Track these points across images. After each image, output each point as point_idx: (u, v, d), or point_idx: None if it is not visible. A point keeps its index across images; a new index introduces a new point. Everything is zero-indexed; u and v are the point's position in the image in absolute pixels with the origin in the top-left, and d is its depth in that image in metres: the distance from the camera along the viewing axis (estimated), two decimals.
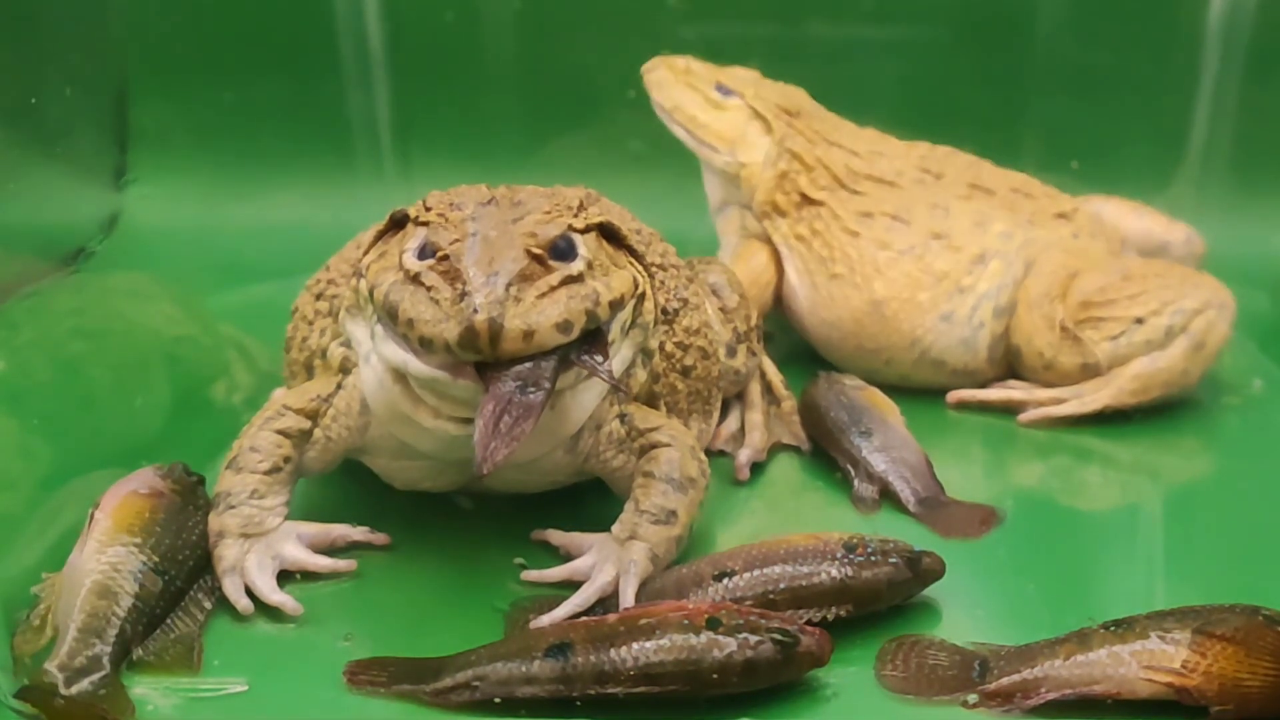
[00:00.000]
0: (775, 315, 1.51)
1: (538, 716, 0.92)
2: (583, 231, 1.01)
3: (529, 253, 0.96)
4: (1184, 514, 1.25)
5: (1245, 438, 1.38)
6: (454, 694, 0.93)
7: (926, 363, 1.43)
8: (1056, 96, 1.84)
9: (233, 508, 1.07)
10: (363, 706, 0.94)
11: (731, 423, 1.32)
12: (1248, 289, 1.63)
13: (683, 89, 1.51)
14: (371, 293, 1.01)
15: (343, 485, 1.21)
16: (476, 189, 1.07)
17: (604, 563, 1.04)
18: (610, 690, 0.91)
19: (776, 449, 1.32)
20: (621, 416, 1.10)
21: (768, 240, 1.48)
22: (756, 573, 1.01)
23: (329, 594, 1.07)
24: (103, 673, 0.93)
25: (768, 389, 1.36)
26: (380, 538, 1.13)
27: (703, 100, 1.50)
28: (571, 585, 1.04)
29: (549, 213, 1.00)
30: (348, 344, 1.10)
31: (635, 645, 0.91)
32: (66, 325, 1.44)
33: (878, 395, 1.33)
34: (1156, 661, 0.91)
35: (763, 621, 0.93)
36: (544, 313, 0.93)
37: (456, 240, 0.97)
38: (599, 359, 0.98)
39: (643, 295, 1.06)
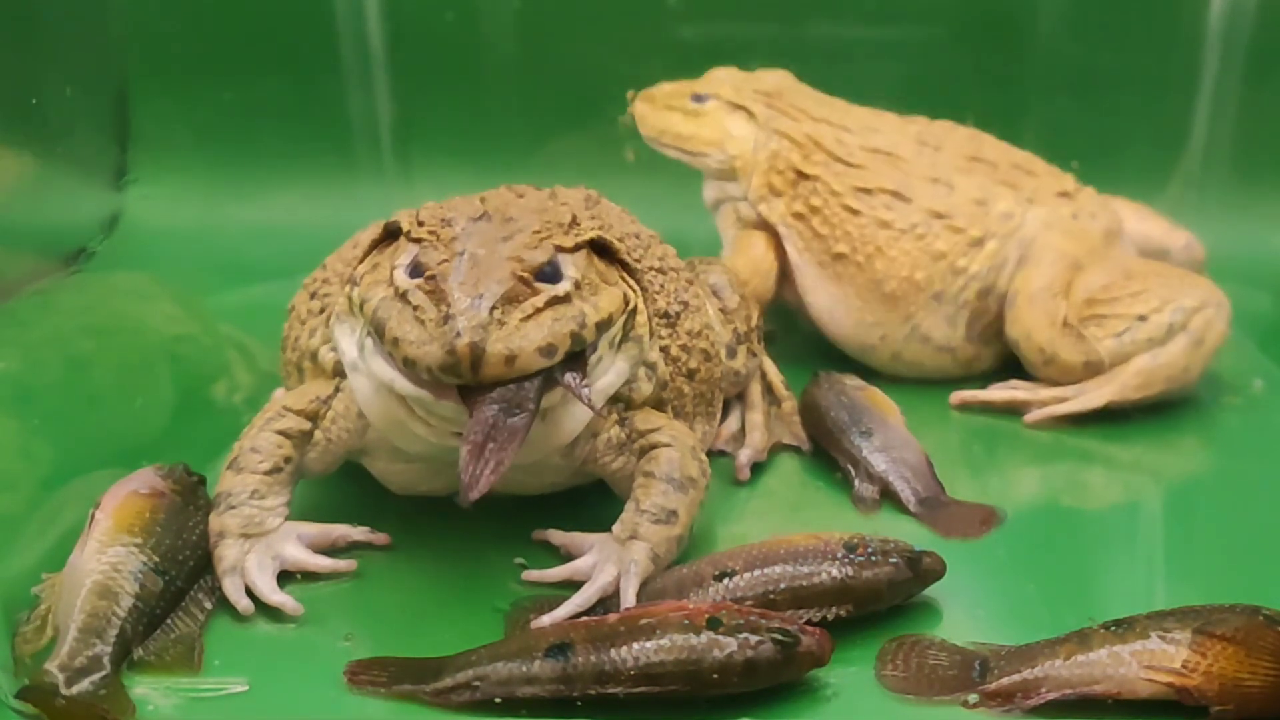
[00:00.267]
0: (777, 307, 1.51)
1: (538, 716, 0.92)
2: (573, 250, 1.00)
3: (515, 275, 0.95)
4: (1184, 514, 1.25)
5: (1245, 438, 1.38)
6: (454, 694, 0.93)
7: (916, 338, 1.45)
8: (1056, 96, 1.84)
9: (233, 508, 1.07)
10: (363, 706, 0.94)
11: (732, 423, 1.33)
12: (1248, 289, 1.63)
13: (662, 113, 1.52)
14: (362, 306, 1.01)
15: (342, 486, 1.21)
16: (470, 202, 1.06)
17: (605, 562, 1.04)
18: (611, 690, 0.91)
19: (777, 449, 1.32)
20: (621, 421, 1.10)
21: (764, 226, 1.49)
22: (757, 572, 1.01)
23: (329, 594, 1.07)
24: (103, 673, 0.93)
25: (768, 389, 1.36)
26: (380, 537, 1.14)
27: (682, 115, 1.51)
28: (572, 585, 1.04)
29: (538, 232, 1.00)
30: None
31: (636, 645, 0.91)
32: (67, 325, 1.44)
33: (878, 395, 1.33)
34: (1157, 661, 0.91)
35: (763, 621, 0.93)
36: (527, 336, 0.93)
37: (444, 260, 0.97)
38: (578, 377, 0.97)
39: (634, 310, 1.06)
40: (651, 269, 1.18)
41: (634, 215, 1.29)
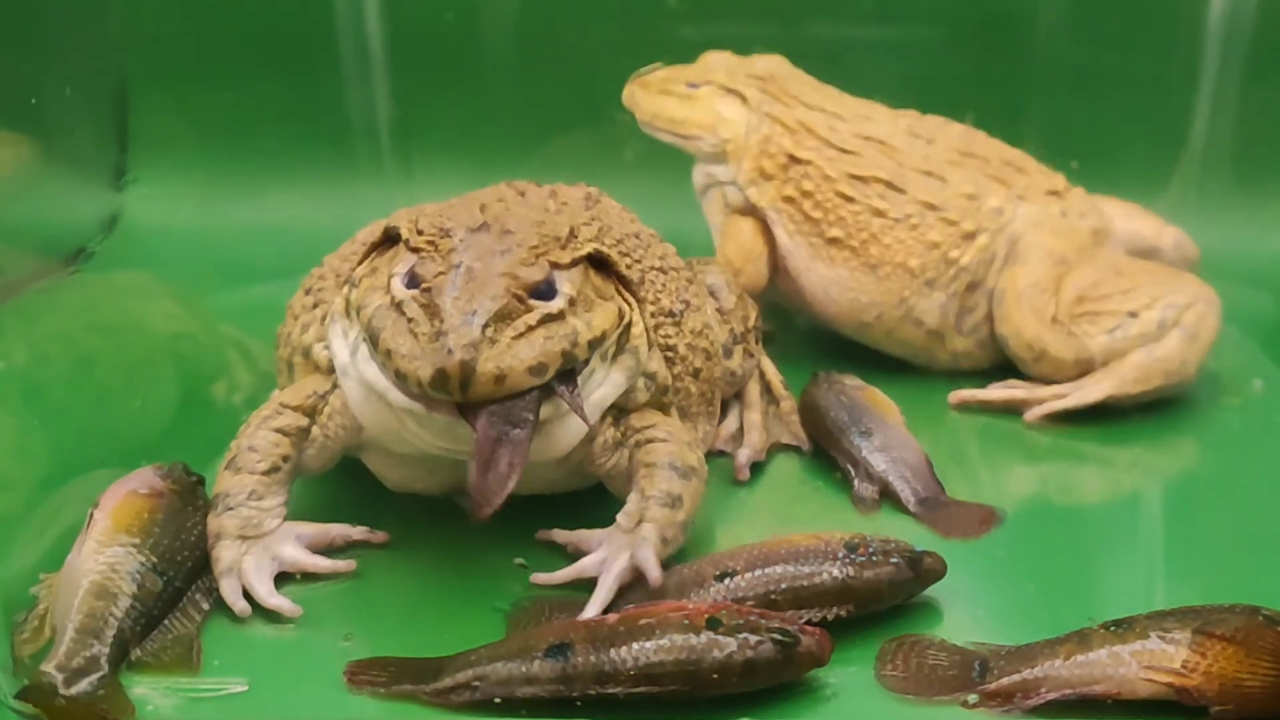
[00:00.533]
0: (775, 308, 1.51)
1: (538, 716, 0.92)
2: (569, 266, 1.00)
3: (509, 291, 0.96)
4: (1184, 514, 1.25)
5: (1245, 438, 1.38)
6: (454, 694, 0.93)
7: (909, 321, 1.45)
8: (1056, 96, 1.84)
9: (230, 509, 1.06)
10: (363, 706, 0.94)
11: (730, 423, 1.33)
12: (1248, 289, 1.63)
13: (656, 97, 1.53)
14: (359, 312, 1.01)
15: (341, 485, 1.21)
16: (470, 209, 1.06)
17: (617, 552, 1.03)
18: (610, 690, 0.91)
19: (776, 449, 1.32)
20: (616, 421, 1.10)
21: (752, 211, 1.49)
22: (758, 572, 1.01)
23: (329, 594, 1.07)
24: (101, 673, 0.93)
25: (767, 389, 1.36)
26: (379, 536, 1.14)
27: (675, 99, 1.51)
28: (582, 585, 1.04)
29: (535, 248, 1.00)
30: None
31: (635, 645, 0.91)
32: (66, 325, 1.44)
33: (878, 395, 1.33)
34: (1157, 661, 0.91)
35: (763, 621, 0.93)
36: (517, 355, 0.93)
37: (441, 273, 0.97)
38: (572, 388, 0.98)
39: (629, 325, 1.06)
40: (653, 268, 1.18)
41: (634, 214, 1.29)
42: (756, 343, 1.34)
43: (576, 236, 1.04)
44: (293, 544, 1.08)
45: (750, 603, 0.99)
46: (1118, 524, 1.22)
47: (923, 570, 1.03)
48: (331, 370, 1.10)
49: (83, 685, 0.92)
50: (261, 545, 1.07)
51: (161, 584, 1.02)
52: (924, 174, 1.45)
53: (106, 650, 0.95)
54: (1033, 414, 1.39)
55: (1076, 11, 1.83)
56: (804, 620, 0.97)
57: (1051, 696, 0.92)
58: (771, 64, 1.55)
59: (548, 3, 1.88)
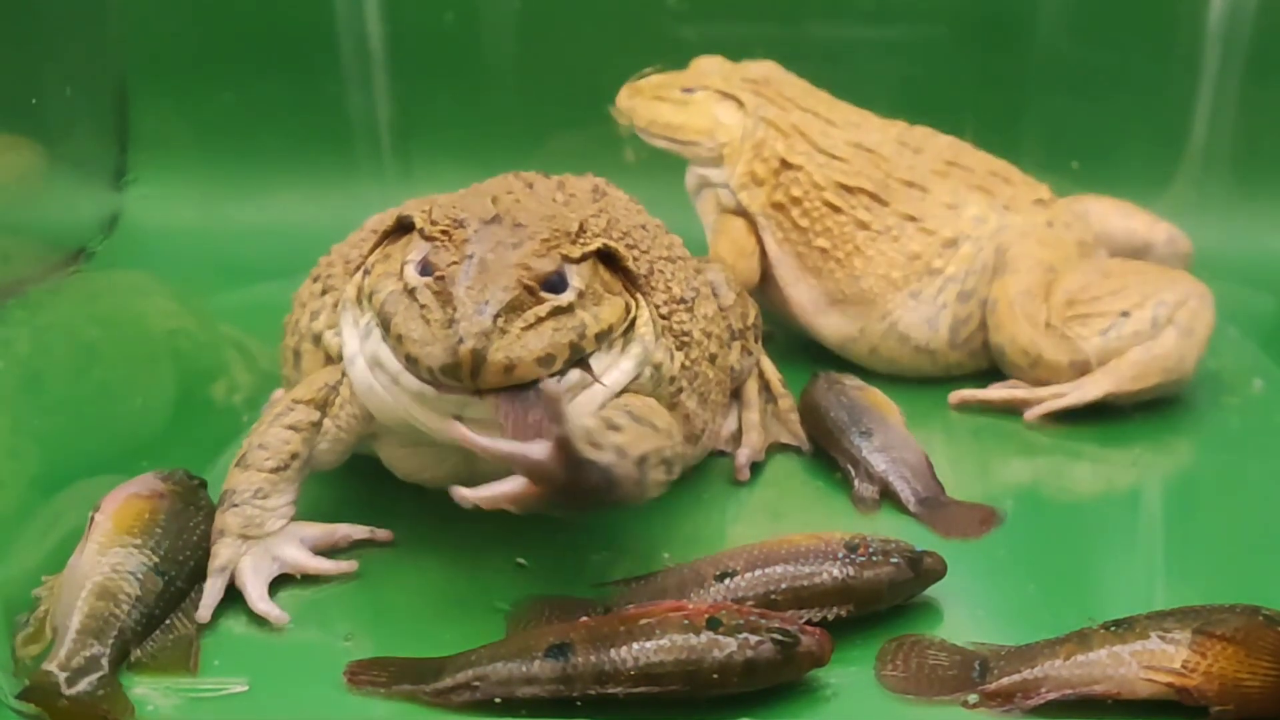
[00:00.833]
0: (762, 298, 1.51)
1: (538, 716, 0.92)
2: (579, 260, 1.01)
3: (521, 283, 0.97)
4: (1184, 514, 1.25)
5: (1245, 438, 1.38)
6: (454, 694, 0.93)
7: (893, 337, 1.45)
8: (1056, 96, 1.84)
9: (235, 506, 1.07)
10: (363, 706, 0.94)
11: (730, 423, 1.33)
12: (1248, 289, 1.63)
13: (651, 103, 1.53)
14: (371, 297, 1.02)
15: (345, 484, 1.21)
16: (482, 201, 1.06)
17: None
18: (610, 690, 0.91)
19: (775, 449, 1.32)
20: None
21: (743, 213, 1.50)
22: (758, 572, 1.01)
23: (329, 594, 1.07)
24: (101, 673, 0.93)
25: (765, 388, 1.36)
26: (383, 534, 1.14)
27: (671, 105, 1.52)
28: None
29: (547, 240, 1.01)
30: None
31: (635, 645, 0.91)
32: (66, 325, 1.44)
33: (878, 395, 1.33)
34: (1157, 661, 0.91)
35: (763, 621, 0.93)
36: (527, 346, 0.95)
37: (454, 263, 0.98)
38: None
39: (635, 318, 1.06)
40: (661, 258, 1.19)
41: (641, 205, 1.29)
42: (756, 341, 1.34)
43: (586, 231, 1.05)
44: (295, 545, 1.08)
45: (750, 603, 0.99)
46: (1117, 524, 1.22)
47: (923, 570, 1.03)
48: (341, 357, 1.10)
49: (83, 685, 0.92)
50: (262, 546, 1.07)
51: (163, 584, 1.02)
52: (907, 185, 1.46)
53: (107, 650, 0.95)
54: (1032, 413, 1.39)
55: (1076, 11, 1.83)
56: (804, 620, 0.97)
57: (1051, 696, 0.92)
58: (765, 69, 1.56)
59: (548, 3, 1.88)
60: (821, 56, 1.83)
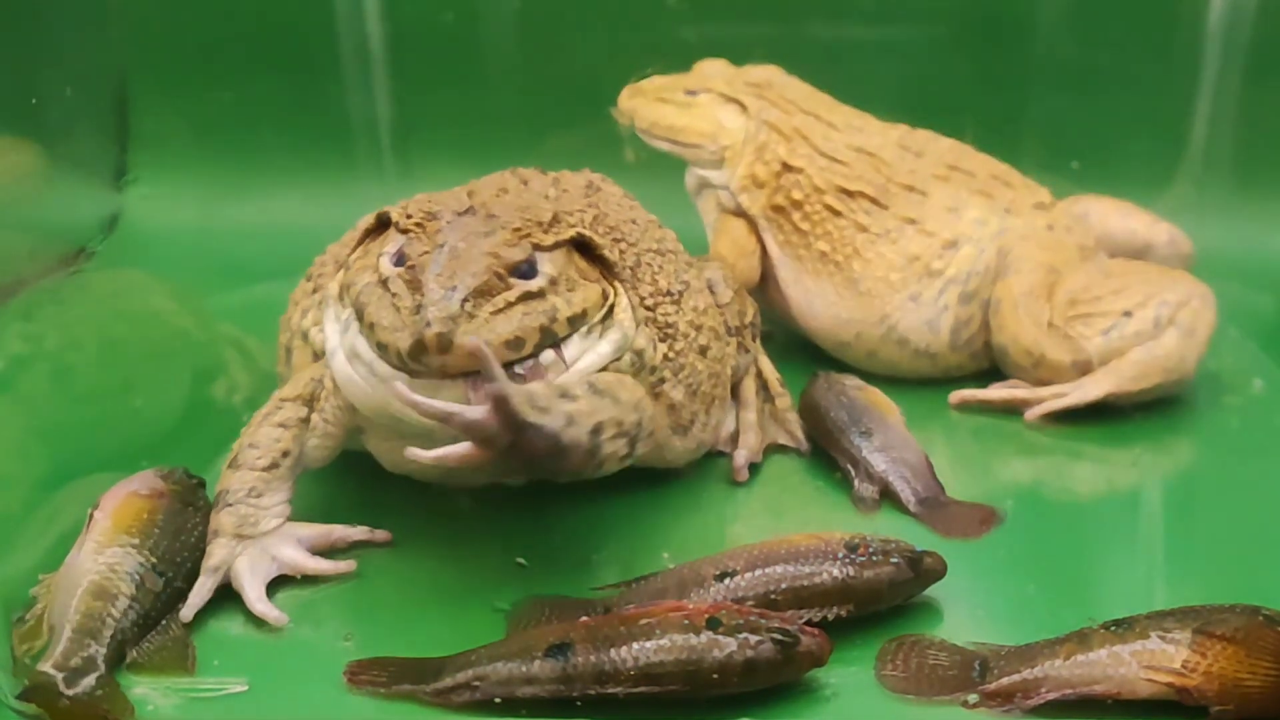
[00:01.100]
0: (762, 299, 1.51)
1: (538, 716, 0.92)
2: (551, 248, 1.02)
3: (490, 269, 0.97)
4: (1184, 514, 1.25)
5: (1245, 438, 1.38)
6: (454, 694, 0.93)
7: (892, 340, 1.45)
8: (1056, 96, 1.84)
9: (230, 506, 1.07)
10: (363, 706, 0.94)
11: (729, 423, 1.32)
12: (1248, 289, 1.63)
13: (654, 105, 1.53)
14: (348, 289, 1.03)
15: (343, 484, 1.21)
16: (459, 196, 1.08)
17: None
18: (610, 690, 0.91)
19: (772, 449, 1.32)
20: None
21: (744, 215, 1.50)
22: (758, 572, 1.01)
23: (329, 594, 1.07)
24: (98, 673, 0.93)
25: (763, 387, 1.36)
26: (381, 535, 1.14)
27: (674, 107, 1.52)
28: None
29: (518, 230, 1.02)
30: None
31: (635, 645, 0.91)
32: (65, 326, 1.44)
33: (878, 395, 1.33)
34: (1157, 661, 0.91)
35: (762, 621, 0.93)
36: (494, 329, 0.95)
37: (425, 252, 0.99)
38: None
39: (613, 306, 1.06)
40: (649, 250, 1.19)
41: (636, 200, 1.29)
42: (753, 339, 1.34)
43: (560, 222, 1.06)
44: (292, 545, 1.08)
45: (750, 603, 0.99)
46: (1118, 524, 1.22)
47: (923, 570, 1.03)
48: (325, 353, 1.11)
49: (81, 685, 0.92)
50: (259, 546, 1.07)
51: (161, 584, 1.02)
52: (907, 189, 1.46)
53: (103, 650, 0.95)
54: (1033, 413, 1.39)
55: (1076, 11, 1.83)
56: (804, 620, 0.97)
57: (1051, 696, 0.92)
58: (768, 73, 1.56)
59: (548, 3, 1.88)
60: (821, 57, 1.83)
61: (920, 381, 1.47)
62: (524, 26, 1.88)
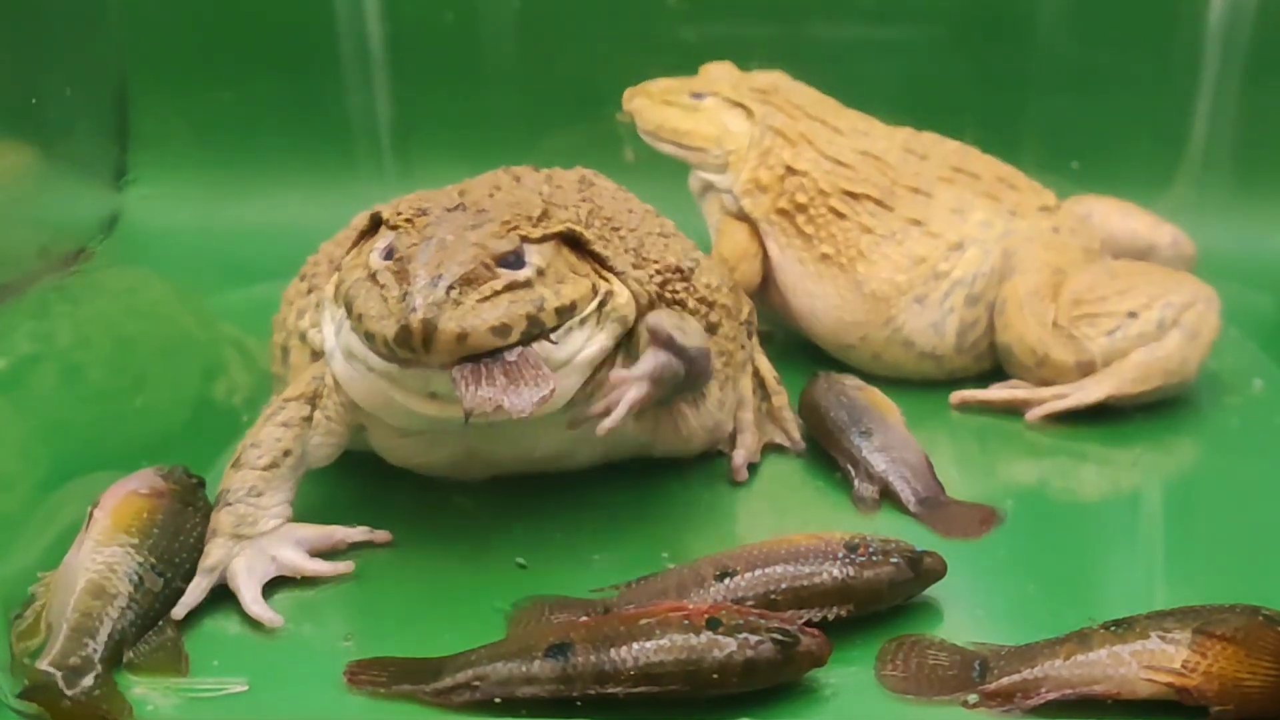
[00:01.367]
0: (759, 299, 1.51)
1: (538, 716, 0.92)
2: (539, 241, 1.02)
3: (477, 259, 0.98)
4: (1184, 514, 1.25)
5: (1245, 438, 1.38)
6: (454, 694, 0.93)
7: (897, 342, 1.45)
8: (1056, 96, 1.84)
9: (229, 505, 1.07)
10: (363, 706, 0.94)
11: (727, 422, 1.32)
12: (1248, 289, 1.63)
13: (660, 108, 1.54)
14: (340, 287, 1.03)
15: (343, 485, 1.21)
16: (449, 193, 1.09)
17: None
18: (610, 690, 0.91)
19: (769, 448, 1.32)
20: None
21: (747, 219, 1.50)
22: (758, 572, 1.01)
23: (329, 594, 1.07)
24: (95, 672, 0.93)
25: (760, 385, 1.36)
26: (382, 535, 1.14)
27: (680, 111, 1.52)
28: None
29: (506, 222, 1.02)
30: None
31: (635, 645, 0.91)
32: (66, 326, 1.44)
33: (878, 395, 1.33)
34: (1157, 661, 0.91)
35: (762, 621, 0.93)
36: (481, 316, 0.96)
37: (414, 244, 1.00)
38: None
39: (607, 296, 1.06)
40: (651, 233, 1.20)
41: (630, 193, 1.29)
42: (750, 337, 1.34)
43: (549, 216, 1.06)
44: (291, 546, 1.08)
45: (750, 603, 0.99)
46: (1118, 524, 1.22)
47: (923, 570, 1.03)
48: (324, 353, 1.11)
49: (79, 685, 0.92)
50: (257, 546, 1.07)
51: (160, 584, 1.02)
52: (912, 191, 1.46)
53: (101, 649, 0.95)
54: (1034, 414, 1.39)
55: (1076, 11, 1.83)
56: (804, 620, 0.97)
57: (1051, 696, 0.92)
58: (773, 78, 1.56)
59: (548, 3, 1.88)
60: (822, 57, 1.83)
61: (921, 382, 1.47)
62: (524, 26, 1.88)
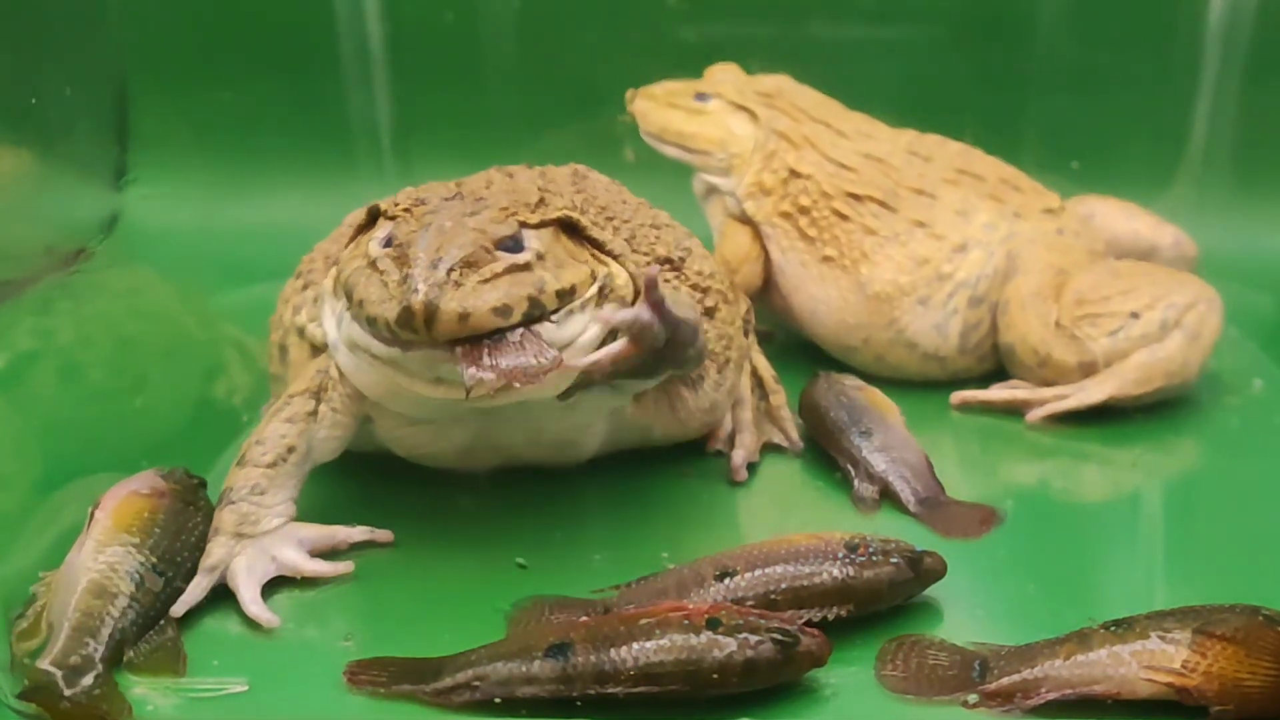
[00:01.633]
0: (760, 302, 1.51)
1: (538, 716, 0.92)
2: (537, 226, 1.03)
3: (477, 243, 0.98)
4: (1184, 514, 1.25)
5: (1245, 438, 1.38)
6: (454, 694, 0.93)
7: (900, 344, 1.45)
8: (1056, 96, 1.84)
9: (232, 503, 1.07)
10: (363, 706, 0.94)
11: (725, 422, 1.32)
12: (1248, 289, 1.63)
13: (664, 110, 1.54)
14: (339, 278, 1.04)
15: (344, 484, 1.21)
16: (445, 185, 1.10)
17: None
18: (610, 690, 0.91)
19: (768, 448, 1.32)
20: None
21: (750, 222, 1.49)
22: (758, 572, 1.01)
23: (329, 594, 1.07)
24: (95, 672, 0.93)
25: (759, 384, 1.36)
26: (383, 535, 1.14)
27: (685, 114, 1.52)
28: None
29: (505, 209, 1.03)
30: None
31: (635, 645, 0.91)
32: (66, 326, 1.44)
33: (878, 395, 1.33)
34: (1157, 661, 0.91)
35: (762, 621, 0.93)
36: (482, 297, 0.95)
37: (413, 231, 1.00)
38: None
39: (606, 280, 1.06)
40: (644, 225, 1.20)
41: (623, 187, 1.30)
42: (747, 335, 1.34)
43: (547, 203, 1.07)
44: (293, 547, 1.08)
45: (750, 603, 0.99)
46: (1118, 524, 1.22)
47: (923, 570, 1.03)
48: (325, 347, 1.11)
49: (80, 685, 0.92)
50: (259, 546, 1.07)
51: (161, 584, 1.02)
52: (916, 192, 1.46)
53: (102, 649, 0.95)
54: (1034, 415, 1.39)
55: (1076, 11, 1.83)
56: (804, 620, 0.97)
57: (1051, 696, 0.92)
58: (778, 81, 1.55)
59: (548, 3, 1.88)
60: (822, 57, 1.83)
61: (923, 383, 1.47)
62: (524, 26, 1.88)
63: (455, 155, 1.86)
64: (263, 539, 1.07)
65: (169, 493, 1.09)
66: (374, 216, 1.08)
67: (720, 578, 1.01)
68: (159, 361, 1.44)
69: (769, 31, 1.84)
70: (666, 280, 1.17)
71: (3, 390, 1.28)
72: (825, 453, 1.29)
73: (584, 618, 0.99)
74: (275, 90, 1.86)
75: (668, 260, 1.19)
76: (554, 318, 1.00)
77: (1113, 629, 0.94)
